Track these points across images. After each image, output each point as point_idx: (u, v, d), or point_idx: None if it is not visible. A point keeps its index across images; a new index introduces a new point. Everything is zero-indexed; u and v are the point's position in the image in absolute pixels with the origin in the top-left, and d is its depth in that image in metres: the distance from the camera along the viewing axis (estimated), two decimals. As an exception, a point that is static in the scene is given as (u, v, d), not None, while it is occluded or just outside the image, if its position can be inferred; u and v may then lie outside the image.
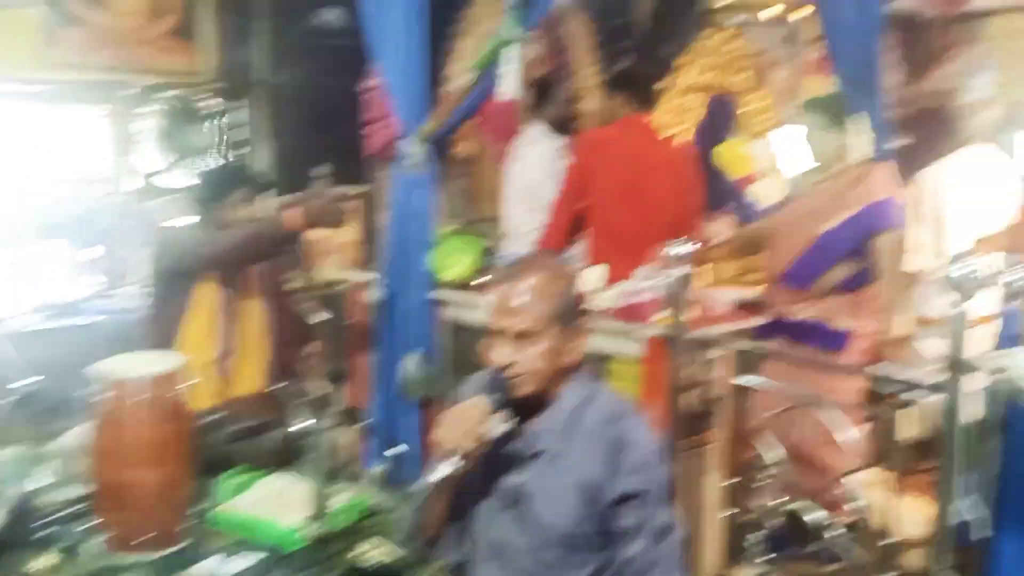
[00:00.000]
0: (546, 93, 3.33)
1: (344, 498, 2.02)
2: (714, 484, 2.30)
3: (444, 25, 4.44)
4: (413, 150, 2.81)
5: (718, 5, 3.82)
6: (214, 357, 2.57)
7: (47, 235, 3.77)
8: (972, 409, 1.57)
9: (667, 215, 3.06)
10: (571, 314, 1.49)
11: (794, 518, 1.89)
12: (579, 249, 3.37)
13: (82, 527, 1.93)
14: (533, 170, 3.32)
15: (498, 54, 2.62)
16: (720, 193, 3.71)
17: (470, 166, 4.69)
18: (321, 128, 4.07)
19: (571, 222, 3.22)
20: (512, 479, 1.50)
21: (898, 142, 3.94)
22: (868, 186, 2.68)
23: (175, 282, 2.57)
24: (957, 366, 1.53)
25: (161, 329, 2.54)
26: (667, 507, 1.46)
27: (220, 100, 4.02)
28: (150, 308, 2.66)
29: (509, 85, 2.60)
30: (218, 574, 1.79)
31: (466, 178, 4.63)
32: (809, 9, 4.03)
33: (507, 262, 1.58)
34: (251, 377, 2.63)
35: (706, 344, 2.25)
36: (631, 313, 2.37)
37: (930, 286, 3.55)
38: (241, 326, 2.63)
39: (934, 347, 2.00)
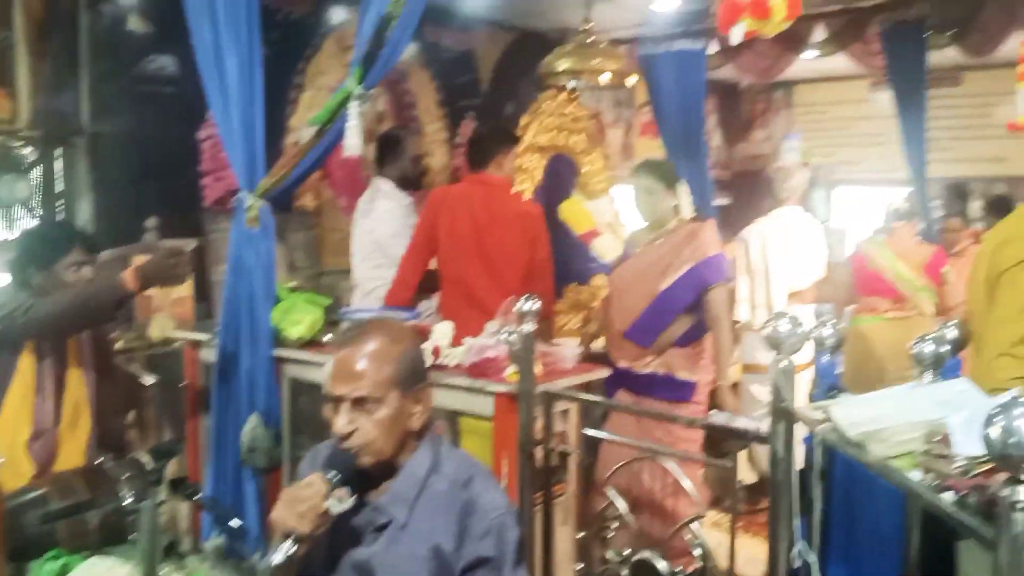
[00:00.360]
0: (391, 149, 3.33)
1: (177, 578, 1.87)
2: (567, 536, 2.32)
3: (284, 76, 4.38)
4: (250, 204, 2.72)
5: (557, 68, 3.99)
6: (27, 436, 2.32)
7: None
8: (798, 456, 1.68)
9: (516, 271, 3.11)
10: (412, 378, 1.46)
11: (644, 567, 1.94)
12: (429, 305, 3.36)
13: None
14: (382, 225, 3.30)
15: (341, 109, 2.60)
16: (565, 248, 3.84)
17: (314, 218, 4.60)
18: (149, 179, 3.86)
19: (419, 278, 3.21)
20: (359, 553, 1.45)
21: (720, 201, 4.24)
22: (699, 243, 2.86)
23: None
24: (782, 415, 1.64)
25: None
26: (521, 568, 1.45)
27: (33, 149, 3.72)
28: None
29: (353, 140, 2.57)
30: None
31: (309, 231, 4.53)
32: (638, 76, 4.31)
33: (346, 326, 1.54)
34: (74, 451, 2.39)
35: (554, 398, 2.29)
36: (481, 369, 2.38)
37: (755, 335, 3.83)
38: (63, 397, 2.40)
39: (765, 392, 2.13)
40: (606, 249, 3.96)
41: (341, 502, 1.36)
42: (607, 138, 5.50)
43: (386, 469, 1.46)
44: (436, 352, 2.53)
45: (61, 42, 3.69)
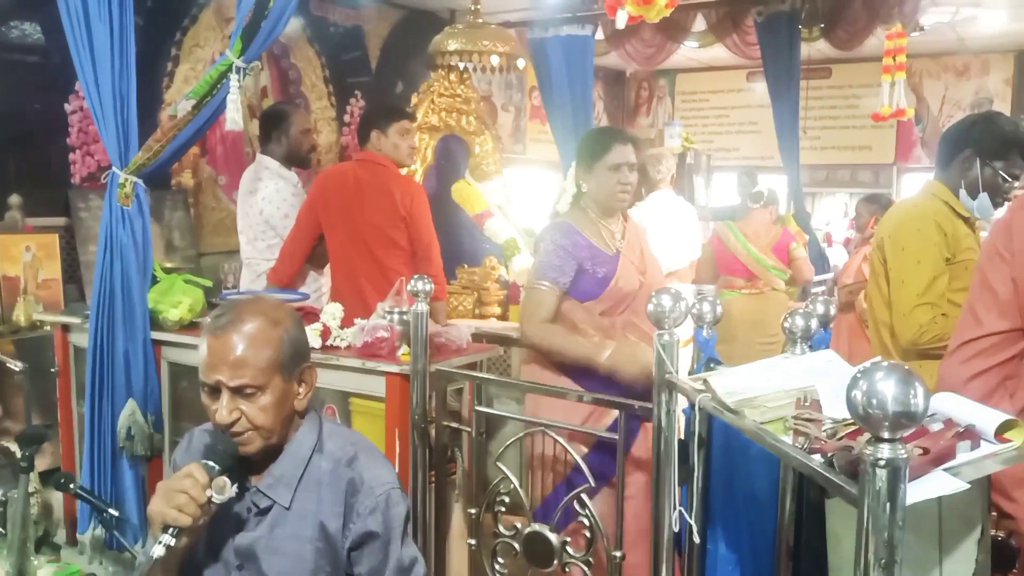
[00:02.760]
0: (277, 125, 3.22)
1: (51, 570, 1.78)
2: (460, 513, 2.34)
3: (159, 47, 4.17)
4: (124, 180, 2.58)
5: (447, 48, 3.97)
6: None
7: None
8: (679, 425, 1.76)
9: (394, 251, 3.05)
10: (295, 360, 1.40)
11: (535, 540, 1.98)
12: (318, 284, 3.29)
13: None
14: (270, 205, 3.19)
15: (220, 82, 2.50)
16: (458, 229, 3.84)
17: (192, 197, 4.42)
18: (10, 154, 3.61)
19: (303, 258, 3.13)
20: (242, 538, 1.41)
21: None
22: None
23: None
24: (665, 386, 1.71)
25: None
26: (409, 543, 1.45)
27: None
28: None
29: (233, 115, 2.49)
30: None
31: (188, 210, 4.35)
32: (528, 60, 4.35)
33: (218, 308, 1.47)
34: None
35: (448, 377, 2.29)
36: (372, 350, 2.35)
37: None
38: None
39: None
40: (498, 230, 3.99)
41: (222, 492, 1.31)
42: (498, 120, 5.53)
43: (268, 451, 1.42)
44: (326, 333, 2.49)
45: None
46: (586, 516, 1.94)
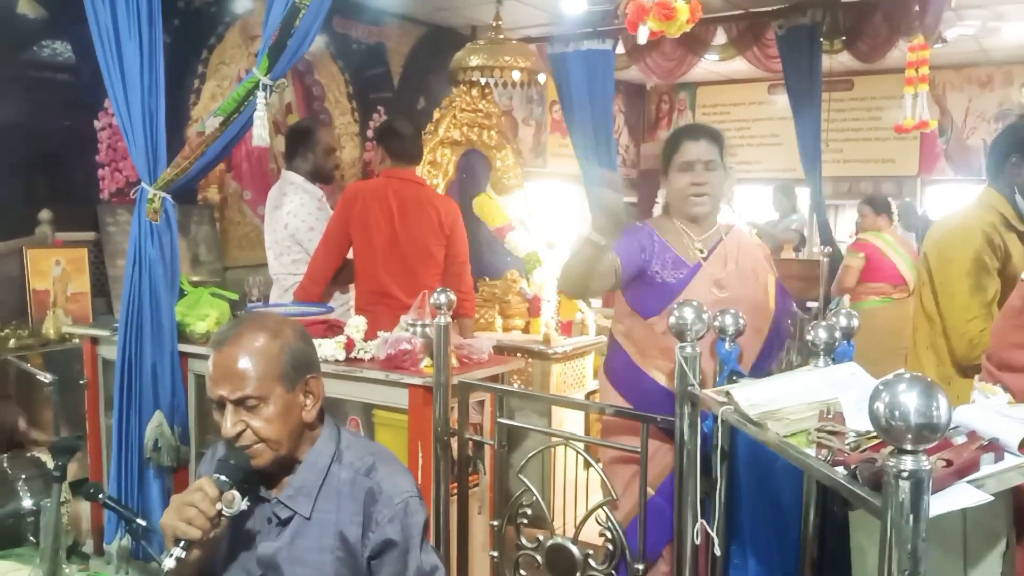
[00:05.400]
0: (302, 141, 3.27)
1: (80, 581, 1.80)
2: (482, 525, 2.35)
3: (186, 65, 4.25)
4: (153, 196, 2.63)
5: (469, 64, 4.01)
6: None
7: None
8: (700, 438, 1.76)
9: (431, 267, 3.10)
10: (297, 371, 1.42)
11: (558, 553, 1.98)
12: (344, 299, 3.33)
13: None
14: (296, 220, 3.24)
15: (247, 99, 2.55)
16: (480, 243, 3.86)
17: (218, 212, 4.48)
18: (42, 170, 3.69)
19: (331, 273, 3.17)
20: (264, 548, 1.43)
21: (628, 199, 4.34)
22: (759, 246, 2.41)
23: None
24: (687, 398, 1.71)
25: None
26: (429, 551, 1.47)
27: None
28: None
29: (260, 131, 2.53)
30: None
31: (214, 224, 4.41)
32: (548, 75, 4.38)
33: (224, 324, 1.50)
34: None
35: (470, 389, 2.31)
36: (395, 362, 2.38)
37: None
38: None
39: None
40: (519, 243, 4.01)
41: (232, 505, 1.34)
42: (519, 135, 5.56)
43: (285, 463, 1.44)
44: (350, 346, 2.51)
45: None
46: (608, 528, 1.94)
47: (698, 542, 1.67)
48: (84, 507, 2.73)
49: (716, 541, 1.63)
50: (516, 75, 3.88)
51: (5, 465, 2.05)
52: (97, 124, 3.91)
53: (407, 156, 3.15)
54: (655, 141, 8.24)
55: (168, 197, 2.68)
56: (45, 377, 2.99)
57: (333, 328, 2.64)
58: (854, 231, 5.49)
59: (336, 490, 1.43)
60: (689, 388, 1.69)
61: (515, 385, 3.38)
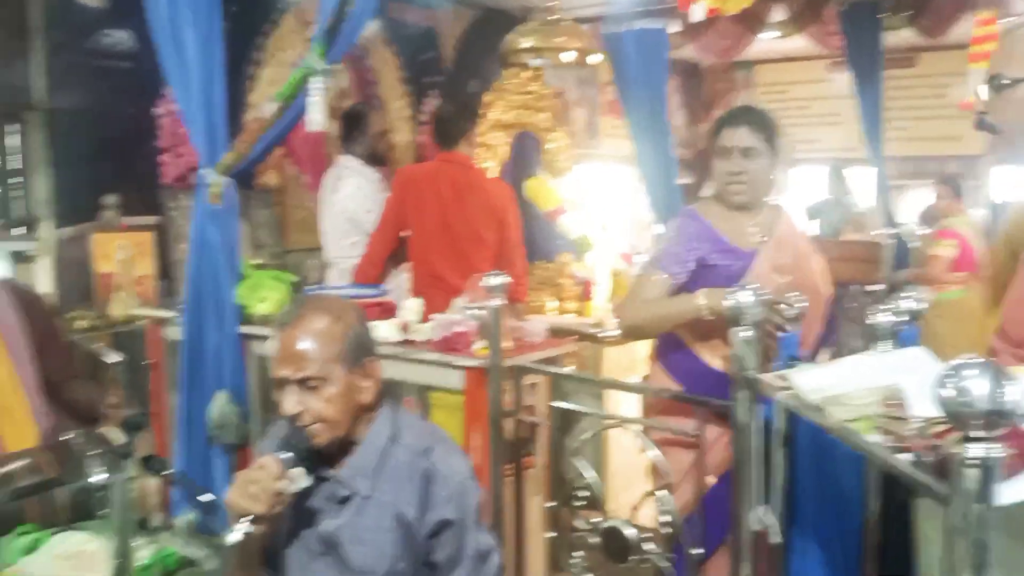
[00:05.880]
0: (356, 125, 3.31)
1: (149, 552, 1.87)
2: (537, 506, 2.37)
3: (243, 51, 4.31)
4: (213, 181, 2.69)
5: (520, 46, 3.99)
6: None
7: None
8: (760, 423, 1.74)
9: (483, 251, 3.12)
10: (357, 353, 1.46)
11: (613, 535, 1.99)
12: (398, 281, 3.37)
13: None
14: (353, 202, 3.28)
15: (303, 84, 2.58)
16: (532, 226, 3.86)
17: (277, 196, 4.56)
18: (107, 155, 3.79)
19: (387, 255, 3.21)
20: (325, 525, 1.47)
21: (683, 180, 4.28)
22: (804, 233, 2.39)
23: None
24: (745, 383, 1.69)
25: None
26: (484, 531, 1.49)
27: (-10, 125, 3.63)
28: None
29: (316, 116, 2.56)
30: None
31: (273, 208, 4.49)
32: (602, 55, 4.33)
33: (286, 307, 1.54)
34: (18, 433, 2.32)
35: (523, 371, 2.32)
36: (449, 344, 2.40)
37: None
38: None
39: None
40: (571, 226, 3.99)
41: (294, 482, 1.37)
42: (572, 116, 5.52)
43: (343, 443, 1.47)
44: (405, 327, 2.54)
45: (11, 14, 3.59)
46: (666, 512, 1.94)
47: (757, 529, 1.65)
48: (152, 483, 2.82)
49: (776, 528, 1.62)
50: (569, 56, 3.85)
51: (77, 441, 2.13)
52: (158, 110, 4.00)
53: (449, 138, 3.17)
54: (710, 121, 8.10)
55: (229, 181, 2.74)
56: (114, 357, 3.09)
57: (387, 310, 2.68)
58: (926, 213, 5.31)
59: (394, 470, 1.46)
60: (746, 373, 1.67)
61: (569, 368, 3.38)
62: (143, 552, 1.87)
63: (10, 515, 2.01)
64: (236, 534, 1.32)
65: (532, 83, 4.12)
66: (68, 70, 3.73)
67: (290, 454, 1.38)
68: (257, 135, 2.72)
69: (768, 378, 1.63)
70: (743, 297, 1.69)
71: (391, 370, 2.45)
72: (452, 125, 3.18)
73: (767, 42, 5.57)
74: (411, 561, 1.45)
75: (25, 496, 2.04)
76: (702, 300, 1.95)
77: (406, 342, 2.51)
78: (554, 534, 2.16)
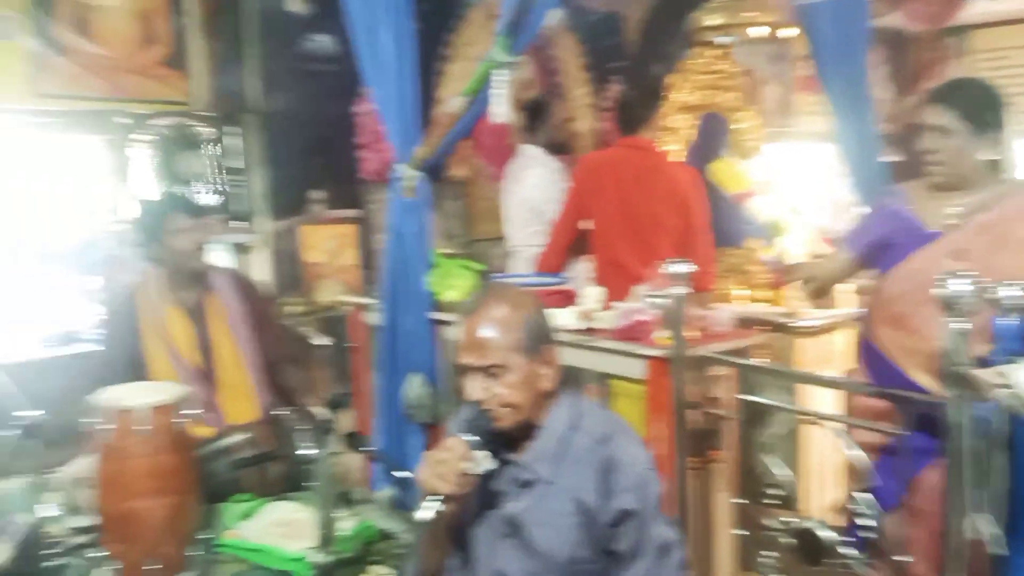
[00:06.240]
0: (538, 115, 3.35)
1: (351, 524, 2.01)
2: (724, 502, 2.30)
3: (435, 49, 4.49)
4: (407, 174, 2.82)
5: (706, 24, 3.86)
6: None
7: (47, 264, 3.77)
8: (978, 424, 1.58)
9: (666, 237, 3.06)
10: (537, 341, 1.49)
11: (807, 535, 1.89)
12: (580, 269, 3.38)
13: (89, 557, 1.91)
14: (534, 191, 3.34)
15: (488, 78, 2.64)
16: (717, 210, 3.73)
17: (465, 188, 4.72)
18: (314, 153, 4.09)
19: (571, 243, 3.23)
20: (509, 508, 1.51)
21: (889, 157, 3.97)
22: None
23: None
24: (957, 380, 1.54)
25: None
26: (667, 524, 1.47)
27: (213, 128, 4.02)
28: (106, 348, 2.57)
29: (499, 108, 2.61)
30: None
31: (461, 200, 4.65)
32: (797, 28, 4.09)
33: (471, 296, 1.59)
34: (240, 407, 2.56)
35: (707, 362, 2.25)
36: (630, 332, 2.38)
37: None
38: (214, 364, 2.56)
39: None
40: (761, 210, 3.82)
41: (479, 464, 1.42)
42: (763, 95, 5.28)
43: (526, 428, 1.51)
44: (586, 316, 2.55)
45: (229, 26, 3.95)
46: (864, 516, 1.82)
47: (971, 538, 1.51)
48: (355, 458, 3.03)
49: (996, 539, 1.47)
50: (758, 31, 3.67)
51: (289, 417, 2.33)
52: (356, 109, 4.26)
53: (631, 123, 3.12)
54: (918, 93, 7.44)
55: (421, 175, 2.87)
56: (320, 340, 3.34)
57: (568, 298, 2.70)
58: None
59: (574, 457, 1.48)
60: (958, 368, 1.53)
61: (760, 360, 3.25)
62: (346, 523, 2.00)
63: (230, 484, 2.23)
64: (426, 511, 1.39)
65: (719, 62, 3.98)
66: (280, 75, 4.06)
67: (475, 437, 1.43)
68: (445, 130, 2.82)
69: (985, 375, 1.48)
70: (956, 284, 1.54)
71: (572, 358, 2.47)
72: (634, 109, 3.14)
73: (985, 3, 5.03)
74: (592, 548, 1.46)
75: (244, 467, 2.26)
76: None
77: (587, 330, 2.51)
78: (743, 532, 2.09)
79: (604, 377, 2.57)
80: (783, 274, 3.16)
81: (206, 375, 2.49)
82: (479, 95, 2.72)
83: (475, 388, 1.47)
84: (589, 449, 1.48)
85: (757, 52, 4.06)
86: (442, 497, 1.39)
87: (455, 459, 1.41)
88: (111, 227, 3.82)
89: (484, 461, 1.43)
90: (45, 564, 1.90)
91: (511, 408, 1.47)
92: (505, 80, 2.64)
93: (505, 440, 1.51)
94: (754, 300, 3.75)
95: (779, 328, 3.34)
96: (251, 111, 4.07)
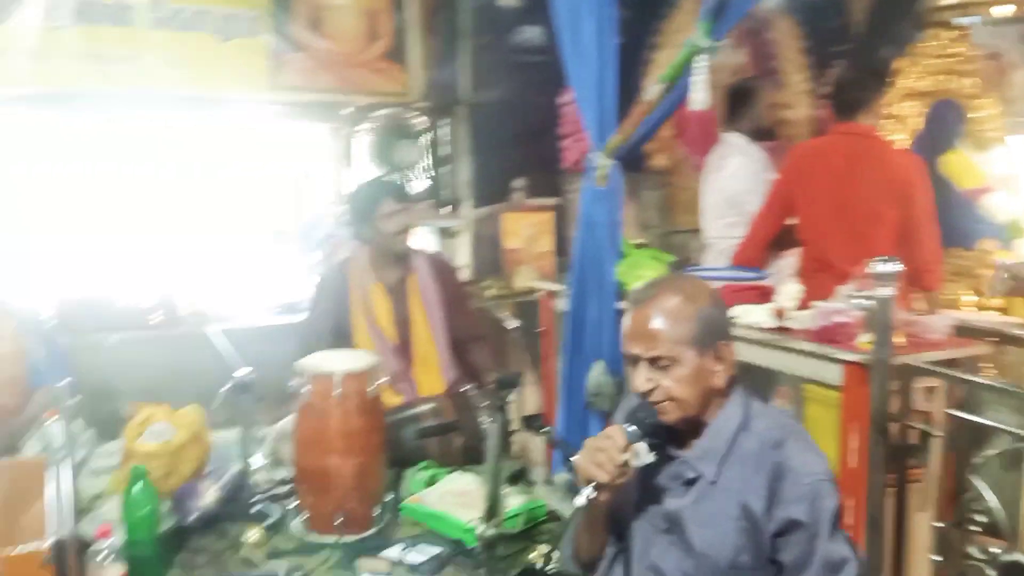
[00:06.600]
0: (743, 101, 3.21)
1: (520, 500, 2.06)
2: (923, 524, 2.10)
3: (642, 36, 4.44)
4: (600, 163, 2.82)
5: (943, 3, 3.51)
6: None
7: (279, 242, 4.18)
8: None
9: (882, 232, 2.81)
10: (710, 336, 1.42)
11: (1016, 569, 1.68)
12: (782, 266, 3.21)
13: (287, 506, 2.11)
14: (733, 181, 3.21)
15: (689, 64, 2.57)
16: (947, 207, 3.40)
17: (667, 177, 4.64)
18: (518, 143, 4.20)
19: (770, 238, 3.08)
20: (670, 504, 1.47)
21: None
22: None
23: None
24: None
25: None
26: (843, 541, 1.36)
27: (427, 118, 4.25)
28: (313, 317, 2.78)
29: (699, 95, 2.53)
30: (403, 562, 1.89)
31: (662, 190, 4.58)
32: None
33: (643, 285, 1.54)
34: (431, 380, 2.70)
35: (915, 372, 2.06)
36: (828, 335, 2.22)
37: None
38: (411, 339, 2.69)
39: None
40: (998, 208, 3.43)
41: (638, 456, 1.39)
42: (1008, 81, 4.70)
43: (691, 425, 1.46)
44: (780, 314, 2.42)
45: (446, 21, 4.15)
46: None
47: None
48: (537, 441, 3.09)
49: None
50: (1004, 10, 3.28)
51: (472, 393, 2.44)
52: (560, 100, 4.32)
53: (848, 107, 2.88)
54: None
55: (615, 163, 2.85)
56: (511, 323, 3.44)
57: (765, 295, 2.57)
58: None
59: (742, 459, 1.41)
60: None
61: (986, 377, 2.92)
62: (515, 500, 2.05)
63: (416, 451, 2.37)
64: (581, 498, 1.39)
65: (956, 44, 3.61)
66: (489, 67, 4.21)
67: (635, 428, 1.40)
68: (641, 117, 2.78)
69: None
70: None
71: (764, 357, 2.36)
72: (852, 93, 2.91)
73: None
74: (755, 555, 1.39)
75: (429, 436, 2.39)
76: None
77: (780, 329, 2.38)
78: (940, 558, 1.89)
79: (797, 380, 2.43)
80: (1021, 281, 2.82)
81: (402, 349, 2.66)
82: (678, 81, 2.65)
83: (640, 379, 1.44)
84: (758, 453, 1.41)
85: (1001, 33, 3.63)
86: (595, 485, 1.38)
87: (613, 448, 1.39)
88: (333, 209, 4.16)
89: (644, 454, 1.40)
90: (251, 508, 2.13)
91: (676, 402, 1.42)
92: (706, 66, 2.56)
93: (671, 435, 1.48)
94: (982, 308, 3.38)
95: (1012, 340, 2.98)
96: (461, 102, 4.25)
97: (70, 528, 1.60)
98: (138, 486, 1.83)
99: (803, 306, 2.43)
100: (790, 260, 3.19)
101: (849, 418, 2.14)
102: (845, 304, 2.24)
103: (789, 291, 2.48)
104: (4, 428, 2.30)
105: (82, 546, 1.61)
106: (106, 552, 1.63)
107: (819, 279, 2.77)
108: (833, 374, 2.19)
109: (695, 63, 2.55)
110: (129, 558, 1.72)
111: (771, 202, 3.04)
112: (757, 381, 2.37)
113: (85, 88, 3.60)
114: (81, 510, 1.94)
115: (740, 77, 4.20)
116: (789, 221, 3.03)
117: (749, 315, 2.49)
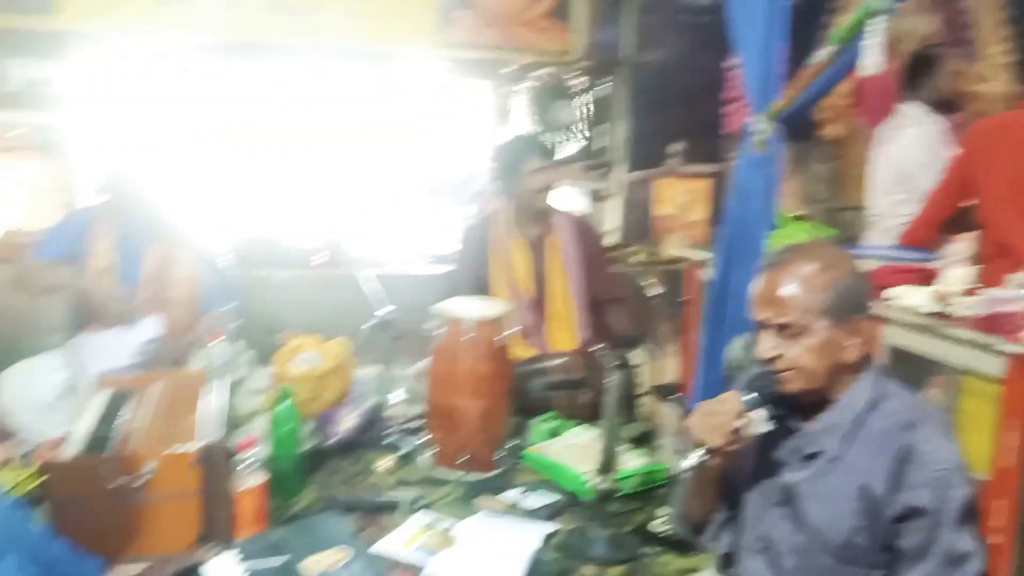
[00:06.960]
0: (923, 69, 2.95)
1: (638, 460, 2.06)
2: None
3: (821, 1, 4.18)
4: (759, 127, 2.70)
5: None
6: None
7: (436, 195, 4.33)
8: None
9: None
10: (846, 308, 1.34)
11: None
12: (958, 249, 2.97)
13: (418, 440, 2.23)
14: (906, 153, 2.98)
15: (862, 26, 2.40)
16: None
17: (840, 149, 4.38)
18: (678, 106, 4.10)
19: (947, 217, 2.85)
20: (787, 476, 1.43)
21: None
22: None
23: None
24: None
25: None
26: (967, 535, 1.27)
27: (586, 78, 4.23)
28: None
29: (871, 60, 2.36)
30: (519, 506, 1.95)
31: (834, 162, 4.33)
32: None
33: (778, 248, 1.46)
34: (563, 337, 2.73)
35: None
36: (992, 323, 2.05)
37: None
38: (547, 296, 2.72)
39: None
40: None
41: (753, 424, 1.35)
42: None
43: (815, 398, 1.40)
44: (942, 298, 2.25)
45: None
46: None
47: None
48: (668, 407, 3.06)
49: None
50: None
51: (601, 352, 2.45)
52: (726, 63, 4.16)
53: None
54: None
55: (775, 129, 2.72)
56: (654, 290, 3.40)
57: (927, 278, 2.40)
58: None
59: (867, 438, 1.35)
60: None
61: None
62: (636, 461, 2.05)
63: (542, 402, 2.42)
64: (690, 461, 1.37)
65: None
66: (654, 27, 4.12)
67: (753, 395, 1.36)
68: (808, 81, 2.63)
69: None
70: None
71: (920, 344, 2.21)
72: None
73: None
74: (870, 539, 1.32)
75: (556, 390, 2.43)
76: None
77: (939, 315, 2.22)
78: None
79: (954, 371, 2.26)
80: None
81: (537, 304, 2.71)
82: (851, 45, 2.49)
83: (766, 346, 1.39)
84: (886, 433, 1.33)
85: None
86: (706, 449, 1.36)
87: (727, 413, 1.36)
88: (488, 165, 4.25)
89: (759, 422, 1.36)
90: (385, 439, 2.26)
91: (800, 373, 1.37)
92: (881, 29, 2.38)
93: (795, 407, 1.42)
94: None
95: None
96: (623, 63, 4.19)
97: (219, 436, 1.77)
98: (284, 404, 1.99)
99: (970, 292, 2.25)
100: (964, 244, 2.94)
101: (1009, 413, 1.98)
102: (1015, 291, 2.06)
103: (956, 275, 2.31)
104: (176, 343, 2.55)
105: (229, 453, 1.77)
106: (251, 460, 1.78)
107: (998, 265, 2.55)
108: (994, 366, 2.03)
109: (869, 25, 2.39)
110: (272, 470, 1.88)
111: (948, 179, 2.81)
112: (909, 369, 2.22)
113: (269, 39, 3.85)
114: (237, 424, 2.13)
115: (921, 43, 3.87)
116: (967, 202, 2.79)
117: (907, 297, 2.34)
